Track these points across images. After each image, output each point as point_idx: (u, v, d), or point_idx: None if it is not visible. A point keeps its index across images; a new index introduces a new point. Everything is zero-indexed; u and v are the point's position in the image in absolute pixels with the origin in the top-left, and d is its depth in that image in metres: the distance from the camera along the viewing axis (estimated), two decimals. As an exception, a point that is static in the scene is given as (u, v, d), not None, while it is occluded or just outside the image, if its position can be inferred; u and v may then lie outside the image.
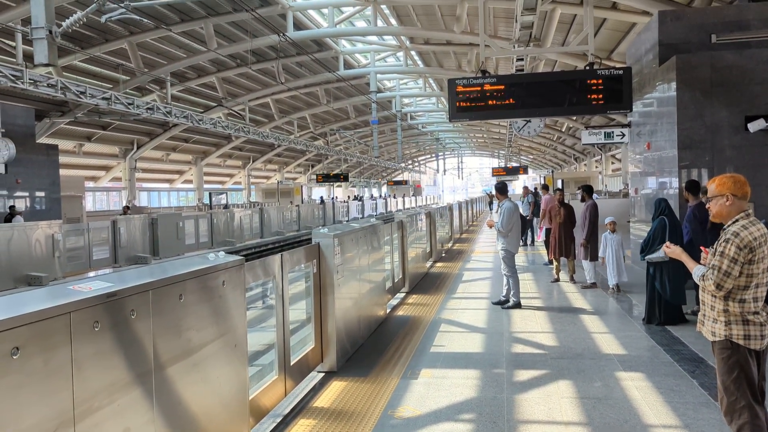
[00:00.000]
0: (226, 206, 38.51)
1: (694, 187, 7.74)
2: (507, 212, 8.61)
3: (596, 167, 45.99)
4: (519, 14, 9.82)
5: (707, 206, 3.49)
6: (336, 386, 5.28)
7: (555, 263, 10.81)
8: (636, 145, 11.84)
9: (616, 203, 22.91)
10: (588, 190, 10.05)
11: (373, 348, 6.55)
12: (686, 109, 9.03)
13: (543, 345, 6.50)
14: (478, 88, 7.94)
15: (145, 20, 16.28)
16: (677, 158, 9.09)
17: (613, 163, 43.34)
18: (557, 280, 10.64)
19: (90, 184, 34.32)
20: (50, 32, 9.54)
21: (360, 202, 40.51)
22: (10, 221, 16.05)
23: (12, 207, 17.45)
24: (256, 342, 5.15)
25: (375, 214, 38.17)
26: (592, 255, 9.80)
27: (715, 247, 3.32)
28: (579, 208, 10.21)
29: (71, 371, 2.39)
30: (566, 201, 11.07)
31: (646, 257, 7.10)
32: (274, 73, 27.10)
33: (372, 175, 73.74)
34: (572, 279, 10.58)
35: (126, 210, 24.52)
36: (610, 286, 9.35)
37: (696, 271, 3.41)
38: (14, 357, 2.10)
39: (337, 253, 5.87)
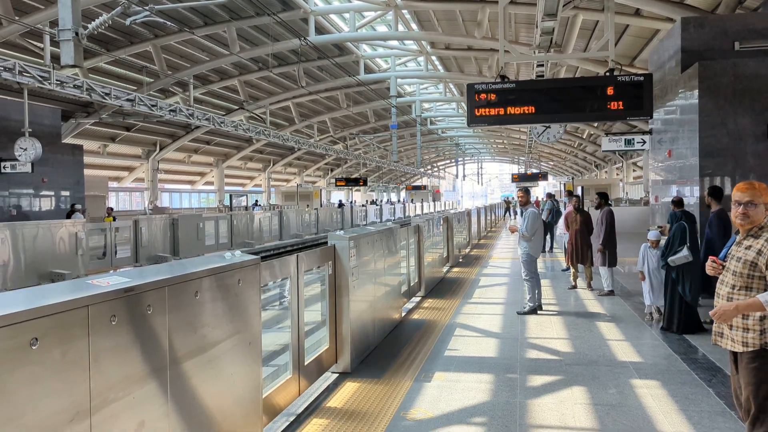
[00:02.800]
0: (256, 204, 38.87)
1: (717, 193, 7.70)
2: (531, 217, 8.62)
3: (617, 174, 45.56)
4: (539, 20, 9.81)
5: (741, 211, 3.25)
6: (349, 387, 5.31)
7: (572, 270, 10.75)
8: (657, 153, 11.74)
9: (637, 211, 22.73)
10: (603, 197, 10.01)
11: (387, 350, 6.57)
12: (708, 116, 8.95)
13: (558, 351, 6.47)
14: (497, 94, 7.94)
15: (169, 23, 16.51)
16: (698, 166, 9.01)
17: (634, 170, 42.91)
18: (574, 287, 10.58)
19: (113, 184, 34.82)
20: (76, 34, 9.74)
21: (378, 207, 40.53)
22: (70, 217, 16.46)
23: (73, 204, 17.81)
24: (271, 342, 5.21)
25: (393, 218, 38.21)
26: (610, 261, 9.74)
27: (744, 256, 3.20)
28: (595, 215, 10.16)
29: (88, 363, 2.44)
30: (582, 207, 11.02)
31: (670, 259, 7.04)
32: (296, 76, 27.32)
33: (391, 179, 73.82)
34: (590, 286, 10.51)
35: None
36: (647, 310, 7.99)
37: (763, 298, 3.05)
38: (33, 348, 2.16)
39: (352, 256, 5.91)
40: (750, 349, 3.17)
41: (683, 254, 6.91)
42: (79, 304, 2.40)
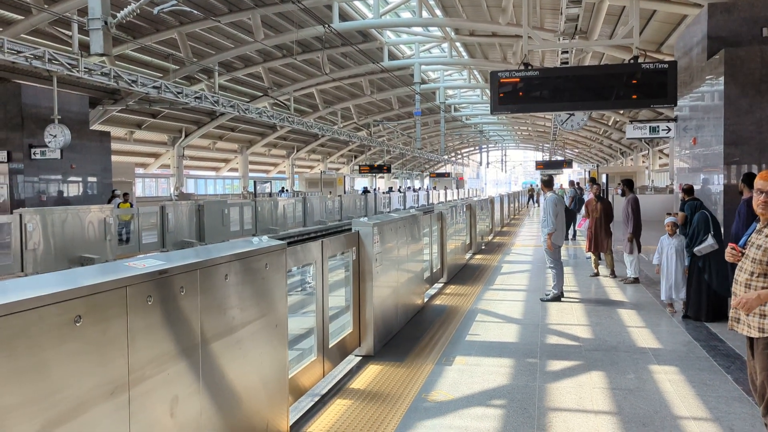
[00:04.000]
0: (283, 190, 39.11)
1: (751, 180, 7.64)
2: (549, 203, 8.66)
3: (643, 162, 44.99)
4: (564, 6, 9.76)
5: (763, 200, 3.29)
6: (372, 370, 5.44)
7: (593, 257, 10.76)
8: (682, 140, 11.63)
9: (662, 199, 22.48)
10: (629, 184, 10.00)
11: (409, 335, 6.69)
12: (734, 104, 8.83)
13: (578, 337, 6.53)
14: (520, 81, 7.95)
15: (195, 11, 16.68)
16: (723, 154, 8.92)
17: (660, 158, 42.32)
18: (596, 274, 10.59)
19: (140, 170, 35.35)
20: (105, 23, 9.94)
21: (401, 194, 40.58)
22: (110, 203, 16.91)
23: (114, 190, 18.21)
24: (297, 326, 5.35)
25: (416, 205, 38.24)
26: (637, 248, 9.76)
27: (764, 243, 3.24)
28: (620, 202, 10.15)
29: (126, 341, 2.59)
30: (603, 195, 11.02)
31: (695, 249, 7.03)
32: (320, 63, 27.41)
33: (415, 166, 73.73)
34: (612, 273, 10.51)
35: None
36: (665, 302, 7.81)
37: None
38: (77, 324, 2.31)
39: (376, 242, 6.01)
40: (766, 335, 3.21)
41: (709, 243, 6.90)
42: (118, 284, 2.55)
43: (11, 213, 12.43)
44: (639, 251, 9.84)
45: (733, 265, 3.53)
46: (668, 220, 7.71)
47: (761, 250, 3.27)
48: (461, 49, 29.33)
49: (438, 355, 5.85)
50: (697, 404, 4.49)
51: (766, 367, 3.23)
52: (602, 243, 10.45)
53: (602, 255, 10.72)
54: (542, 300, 8.52)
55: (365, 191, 39.35)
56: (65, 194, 20.10)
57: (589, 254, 12.23)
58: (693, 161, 10.87)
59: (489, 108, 8.42)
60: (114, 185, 22.55)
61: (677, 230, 7.66)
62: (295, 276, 6.15)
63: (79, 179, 20.82)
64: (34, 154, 18.26)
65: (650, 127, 11.50)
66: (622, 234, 10.00)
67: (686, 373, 5.19)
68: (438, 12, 23.17)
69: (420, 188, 58.68)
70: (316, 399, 4.74)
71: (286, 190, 39.85)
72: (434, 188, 54.02)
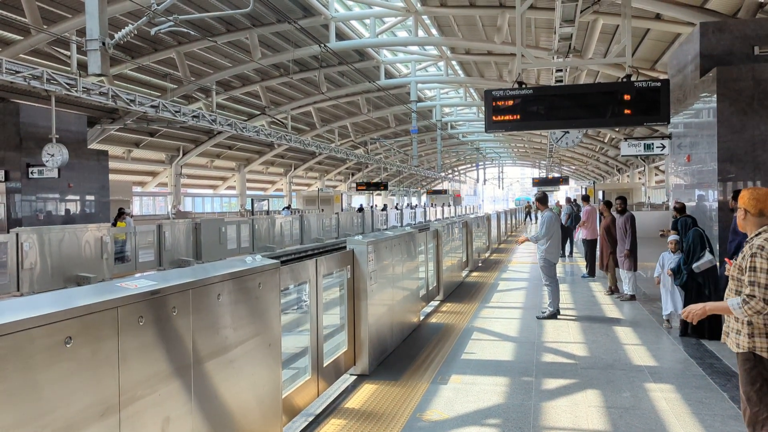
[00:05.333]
0: (288, 208, 39.17)
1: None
2: (546, 221, 8.70)
3: (639, 178, 45.12)
4: (558, 26, 9.86)
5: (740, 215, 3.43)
6: (367, 389, 5.42)
7: (608, 274, 10.82)
8: (677, 157, 11.70)
9: (658, 215, 22.53)
10: (624, 201, 10.10)
11: (405, 353, 6.67)
12: (727, 121, 8.92)
13: (574, 355, 6.52)
14: (514, 100, 8.01)
15: (193, 32, 16.82)
16: (717, 171, 8.98)
17: (656, 174, 42.47)
18: (612, 291, 10.56)
19: (137, 188, 35.38)
20: (103, 44, 10.01)
21: (398, 211, 40.63)
22: (116, 221, 16.87)
23: (121, 209, 18.21)
24: (291, 344, 5.34)
25: (413, 222, 38.27)
26: (634, 265, 9.79)
27: (739, 262, 3.33)
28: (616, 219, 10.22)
29: (117, 361, 2.59)
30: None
31: (694, 266, 7.05)
32: (317, 82, 27.57)
33: (411, 183, 73.88)
34: (611, 291, 10.51)
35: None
36: (665, 317, 7.86)
37: (731, 303, 3.23)
38: (68, 345, 2.31)
39: (370, 260, 6.02)
40: (741, 350, 3.30)
41: (707, 258, 6.95)
42: (109, 305, 2.55)
43: (8, 232, 12.43)
44: (635, 269, 9.86)
45: None
46: (671, 238, 7.67)
47: (735, 267, 3.34)
48: (457, 67, 29.55)
49: (433, 374, 5.83)
50: (692, 422, 4.48)
51: (743, 382, 3.33)
52: (608, 260, 10.60)
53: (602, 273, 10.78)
54: (538, 318, 8.51)
55: (360, 209, 39.34)
56: (63, 213, 20.11)
57: (589, 273, 12.41)
58: (688, 178, 10.93)
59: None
60: (112, 204, 22.56)
61: (679, 248, 7.64)
62: (290, 294, 6.14)
63: (77, 198, 20.84)
64: (31, 173, 18.29)
65: (645, 144, 11.57)
66: (619, 251, 10.03)
67: (682, 391, 5.18)
68: (434, 31, 23.37)
69: (417, 205, 58.72)
70: (311, 419, 4.72)
71: (290, 208, 39.85)
72: (431, 205, 54.09)
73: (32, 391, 2.16)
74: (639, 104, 7.66)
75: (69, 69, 16.24)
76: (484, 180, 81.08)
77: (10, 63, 13.99)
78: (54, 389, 2.25)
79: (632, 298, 9.84)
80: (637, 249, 9.91)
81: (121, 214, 17.48)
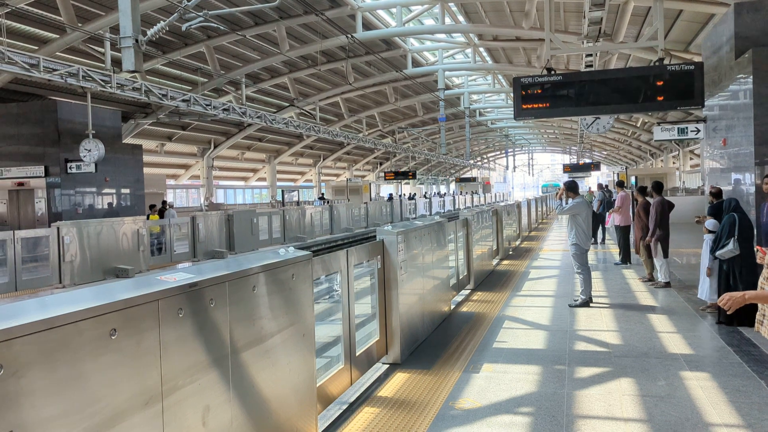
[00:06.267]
0: (322, 198, 39.66)
1: None
2: (575, 204, 8.57)
3: (673, 163, 44.26)
4: (587, 10, 9.72)
5: None
6: (399, 377, 5.48)
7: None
8: (713, 141, 11.47)
9: (694, 200, 22.10)
10: (656, 187, 9.91)
11: (436, 342, 6.72)
12: (763, 103, 8.70)
13: (607, 343, 6.48)
14: (543, 86, 7.94)
15: (222, 26, 16.98)
16: (754, 154, 8.78)
17: (691, 158, 41.61)
18: (648, 278, 10.41)
19: (171, 181, 35.99)
20: (136, 41, 10.19)
21: (427, 200, 40.57)
22: (162, 215, 17.27)
23: (164, 201, 18.54)
24: (324, 334, 5.43)
25: (442, 211, 38.19)
26: (665, 252, 9.64)
27: None
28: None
29: (159, 352, 2.69)
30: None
31: (717, 253, 6.94)
32: (344, 72, 27.64)
33: (440, 172, 73.62)
34: (647, 278, 10.35)
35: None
36: (708, 302, 7.76)
37: None
38: (113, 337, 2.41)
39: (400, 250, 6.07)
40: None
41: (729, 248, 6.81)
42: (150, 298, 2.64)
43: (49, 226, 12.79)
44: (666, 256, 9.68)
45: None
46: (710, 223, 7.54)
47: None
48: (485, 54, 29.29)
49: (465, 363, 5.87)
50: (729, 411, 4.44)
51: None
52: (638, 246, 10.47)
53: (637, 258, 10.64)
54: (570, 306, 8.47)
55: (390, 198, 39.40)
56: (100, 206, 20.60)
57: (622, 260, 12.28)
58: (724, 161, 10.71)
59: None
60: (147, 197, 23.01)
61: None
62: (322, 284, 6.23)
63: (113, 191, 21.31)
64: (70, 168, 18.77)
65: (678, 128, 11.35)
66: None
67: (718, 379, 5.13)
68: (461, 18, 23.20)
69: (446, 194, 58.51)
70: (344, 407, 4.80)
71: (324, 198, 40.15)
72: (460, 193, 53.83)
73: (81, 381, 2.25)
74: (672, 88, 7.53)
75: (103, 66, 16.56)
76: (514, 167, 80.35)
77: (47, 61, 14.33)
78: (100, 379, 2.35)
79: (667, 285, 9.71)
80: (669, 235, 9.74)
81: (152, 207, 17.83)
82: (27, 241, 11.91)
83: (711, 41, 11.45)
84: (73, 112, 19.57)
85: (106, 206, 20.78)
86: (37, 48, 18.29)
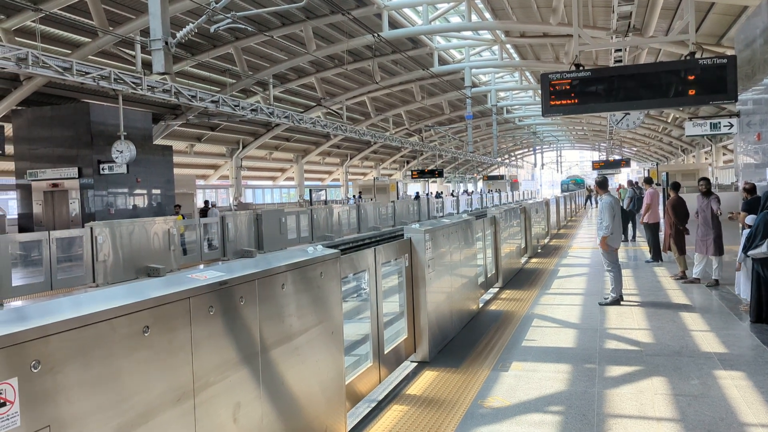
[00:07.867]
0: (359, 195, 40.02)
1: None
2: (605, 207, 8.44)
3: (705, 159, 43.37)
4: (616, 4, 9.58)
5: None
6: (428, 375, 5.48)
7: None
8: (746, 136, 11.20)
9: (727, 197, 21.63)
10: (707, 183, 9.73)
11: (465, 340, 6.69)
12: (800, 96, 8.48)
13: (638, 342, 6.39)
14: (572, 82, 7.85)
15: (250, 27, 17.14)
16: (790, 149, 8.56)
17: (724, 154, 40.70)
18: (680, 276, 10.23)
19: (200, 182, 36.45)
20: (166, 43, 10.35)
21: (455, 198, 40.42)
22: (206, 214, 17.57)
23: (206, 201, 18.82)
24: (353, 332, 5.45)
25: (469, 209, 38.01)
26: (680, 249, 9.61)
27: None
28: (696, 202, 9.92)
29: (191, 349, 2.73)
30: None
31: (749, 253, 6.79)
32: (370, 71, 27.68)
33: (467, 170, 73.26)
34: (680, 276, 10.16)
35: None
36: (744, 302, 7.73)
37: None
38: (145, 335, 2.45)
39: (428, 248, 6.06)
40: None
41: (761, 250, 6.63)
42: (182, 296, 2.69)
43: (82, 226, 13.06)
44: (721, 253, 9.38)
45: None
46: (749, 219, 7.36)
47: None
48: (512, 50, 29.05)
49: (494, 361, 5.84)
50: (765, 410, 4.34)
51: None
52: (668, 243, 10.36)
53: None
54: (601, 304, 8.36)
55: (417, 197, 39.38)
56: (132, 207, 20.97)
57: (654, 257, 12.12)
58: (758, 157, 10.46)
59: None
60: (177, 197, 23.35)
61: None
62: (350, 283, 6.25)
63: (145, 192, 21.68)
64: (102, 169, 19.15)
65: (711, 123, 11.11)
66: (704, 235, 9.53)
67: (754, 378, 5.02)
68: (487, 15, 23.04)
69: (473, 192, 58.17)
70: (373, 405, 4.81)
71: (359, 196, 40.45)
72: (488, 191, 53.50)
73: (114, 377, 2.30)
74: (704, 82, 7.37)
75: (134, 68, 16.85)
76: (542, 164, 79.58)
77: (79, 64, 14.63)
78: (133, 376, 2.39)
79: (695, 281, 9.57)
80: (722, 234, 9.50)
81: (177, 207, 18.12)
82: (62, 242, 12.17)
83: (744, 34, 11.19)
84: (105, 115, 19.95)
85: (140, 206, 21.14)
86: (69, 52, 18.68)
